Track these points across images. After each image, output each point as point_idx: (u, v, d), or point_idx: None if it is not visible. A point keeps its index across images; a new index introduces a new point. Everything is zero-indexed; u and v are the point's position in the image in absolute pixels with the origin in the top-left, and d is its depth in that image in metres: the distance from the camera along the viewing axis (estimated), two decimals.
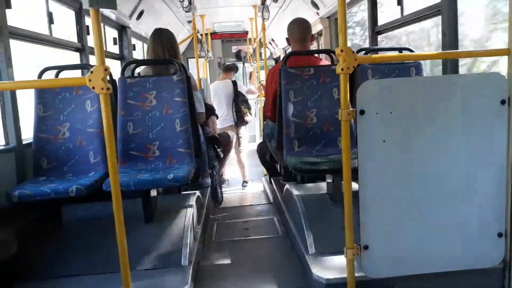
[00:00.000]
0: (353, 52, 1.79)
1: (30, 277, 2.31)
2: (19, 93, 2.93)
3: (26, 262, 2.44)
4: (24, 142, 2.88)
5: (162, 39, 3.22)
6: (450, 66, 2.87)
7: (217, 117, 5.39)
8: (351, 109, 1.83)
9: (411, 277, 2.04)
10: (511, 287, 2.07)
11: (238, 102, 5.71)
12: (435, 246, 1.99)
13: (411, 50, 3.23)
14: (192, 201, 2.99)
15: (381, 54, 3.37)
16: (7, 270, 2.35)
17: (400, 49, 3.32)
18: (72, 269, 2.36)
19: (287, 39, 3.48)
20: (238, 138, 5.82)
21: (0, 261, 2.34)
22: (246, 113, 5.71)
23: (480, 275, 2.12)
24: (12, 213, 2.65)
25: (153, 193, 2.77)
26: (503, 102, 1.91)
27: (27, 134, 2.96)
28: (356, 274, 1.95)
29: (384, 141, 1.88)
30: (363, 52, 3.31)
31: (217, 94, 5.75)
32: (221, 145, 4.51)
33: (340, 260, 2.03)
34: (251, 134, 7.82)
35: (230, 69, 6.02)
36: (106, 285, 2.18)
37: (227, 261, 2.78)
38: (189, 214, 2.78)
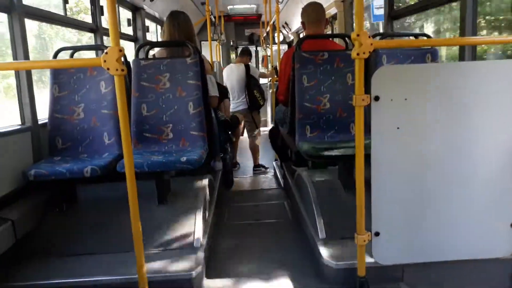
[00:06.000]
0: (369, 36, 1.77)
1: (44, 255, 2.37)
2: None
3: (41, 240, 2.49)
4: (39, 122, 2.92)
5: (178, 22, 3.19)
6: (468, 53, 2.81)
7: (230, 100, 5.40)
8: (366, 95, 1.82)
9: (421, 265, 2.05)
10: None
11: (251, 86, 5.68)
12: (446, 234, 1.98)
13: (428, 36, 3.17)
14: (204, 184, 3.02)
15: (397, 39, 3.32)
16: (22, 248, 2.42)
17: (416, 35, 3.27)
18: (86, 247, 2.41)
19: (302, 23, 3.45)
20: (254, 122, 5.81)
21: (16, 238, 2.40)
22: (259, 97, 5.69)
23: (490, 264, 2.11)
24: (28, 192, 2.71)
25: (166, 175, 2.79)
26: None
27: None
28: (366, 260, 1.97)
29: (398, 128, 1.85)
30: (379, 37, 3.26)
31: (229, 77, 5.74)
32: (232, 129, 4.51)
33: (350, 246, 2.03)
34: (262, 119, 7.81)
35: (245, 54, 5.99)
36: (120, 263, 2.22)
37: (238, 243, 2.81)
38: (201, 197, 2.80)
